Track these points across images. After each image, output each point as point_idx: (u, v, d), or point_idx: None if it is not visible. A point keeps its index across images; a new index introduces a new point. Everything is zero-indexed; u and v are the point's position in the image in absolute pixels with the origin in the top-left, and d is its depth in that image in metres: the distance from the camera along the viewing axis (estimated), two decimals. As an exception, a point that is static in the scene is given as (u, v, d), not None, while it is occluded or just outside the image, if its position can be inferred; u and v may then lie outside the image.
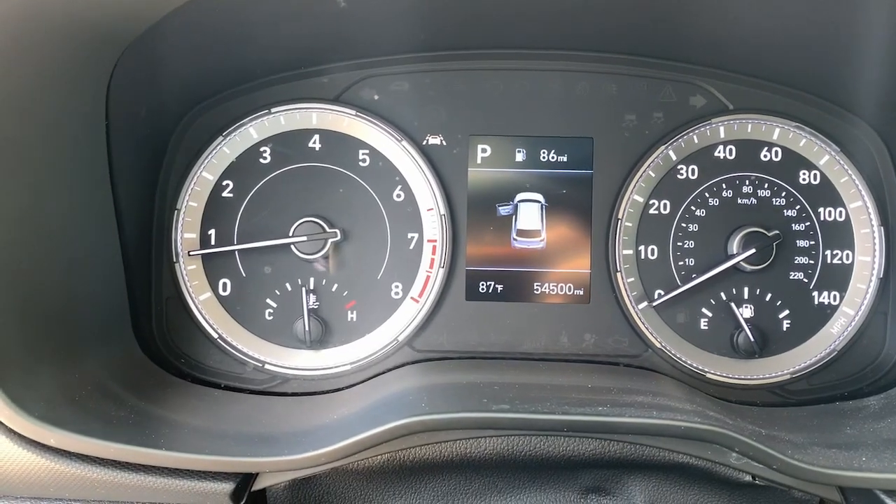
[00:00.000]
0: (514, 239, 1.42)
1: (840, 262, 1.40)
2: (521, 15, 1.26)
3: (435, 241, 1.40)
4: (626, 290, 1.40)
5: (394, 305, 1.40)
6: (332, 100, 1.42)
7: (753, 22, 1.22)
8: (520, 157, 1.43)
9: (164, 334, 1.40)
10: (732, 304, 1.38)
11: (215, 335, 1.39)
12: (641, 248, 1.41)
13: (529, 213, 1.42)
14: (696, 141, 1.41)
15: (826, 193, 1.40)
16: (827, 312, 1.39)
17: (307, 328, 1.36)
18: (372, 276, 1.40)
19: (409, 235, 1.41)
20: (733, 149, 1.41)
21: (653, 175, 1.41)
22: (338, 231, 1.38)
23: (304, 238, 1.37)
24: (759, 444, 0.98)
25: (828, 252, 1.40)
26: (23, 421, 0.93)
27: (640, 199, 1.41)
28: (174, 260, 1.39)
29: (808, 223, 1.40)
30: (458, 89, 1.42)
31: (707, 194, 1.41)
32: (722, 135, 1.41)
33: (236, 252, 1.40)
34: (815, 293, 1.40)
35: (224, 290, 1.40)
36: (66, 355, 1.10)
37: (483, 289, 1.42)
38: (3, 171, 0.99)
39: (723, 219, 1.40)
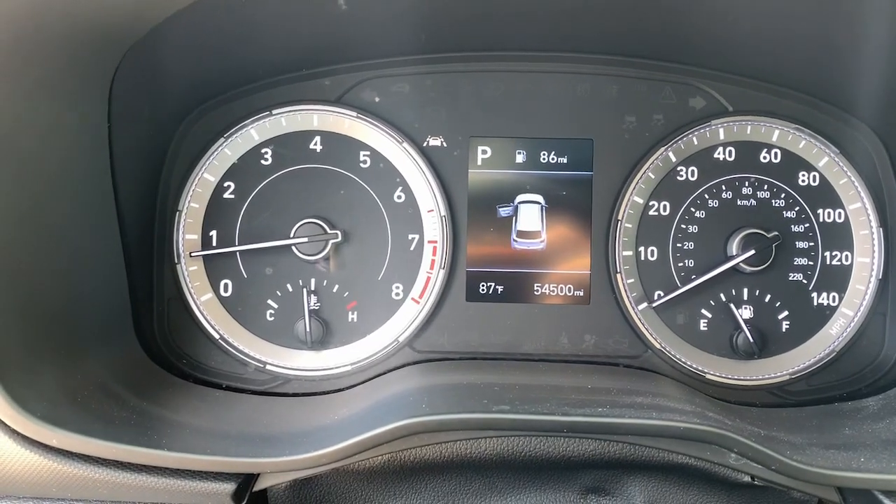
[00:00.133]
0: (515, 240, 1.43)
1: (839, 263, 1.40)
2: (521, 17, 1.27)
3: (435, 242, 1.41)
4: (625, 291, 1.40)
5: (394, 306, 1.41)
6: (333, 101, 1.42)
7: (753, 24, 1.22)
8: (520, 158, 1.43)
9: (165, 335, 1.40)
10: (732, 306, 1.39)
11: (217, 336, 1.40)
12: (641, 249, 1.41)
13: (529, 215, 1.42)
14: (695, 142, 1.42)
15: (825, 195, 1.40)
16: (826, 313, 1.40)
17: (308, 329, 1.37)
18: (373, 277, 1.41)
19: (410, 236, 1.41)
20: (733, 150, 1.42)
21: (652, 176, 1.41)
22: (339, 232, 1.38)
23: (306, 239, 1.37)
24: (758, 444, 0.98)
25: (827, 253, 1.40)
26: (25, 421, 0.94)
27: (640, 201, 1.41)
28: (176, 261, 1.39)
29: (807, 224, 1.40)
30: (459, 91, 1.43)
31: (707, 196, 1.41)
32: (721, 136, 1.42)
33: (238, 253, 1.40)
34: (815, 294, 1.40)
35: (225, 290, 1.41)
36: (68, 356, 1.10)
37: (483, 290, 1.42)
38: (6, 172, 0.99)
39: (722, 220, 1.40)
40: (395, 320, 1.40)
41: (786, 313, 1.40)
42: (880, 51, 1.20)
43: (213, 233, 1.41)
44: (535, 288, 1.42)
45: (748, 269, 1.37)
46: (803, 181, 1.41)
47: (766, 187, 1.41)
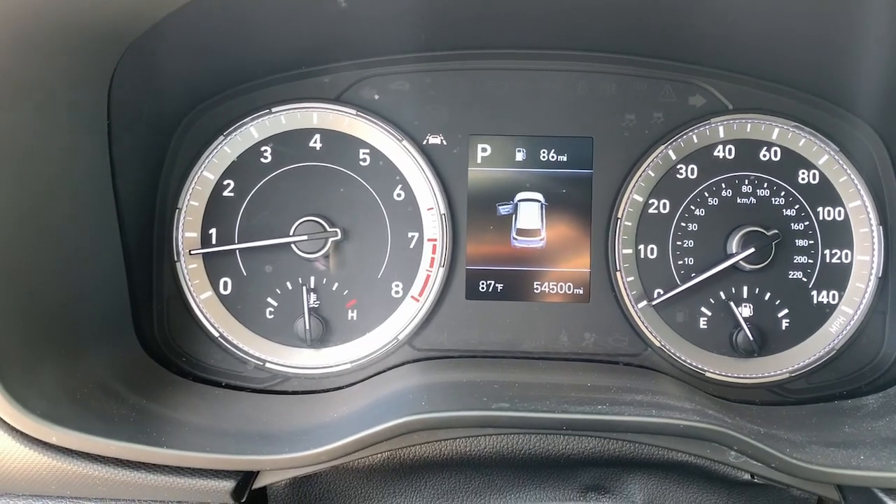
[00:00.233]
0: (514, 238, 1.43)
1: (839, 261, 1.40)
2: (521, 15, 1.27)
3: (435, 240, 1.41)
4: (625, 289, 1.40)
5: (394, 304, 1.40)
6: (333, 99, 1.42)
7: (753, 22, 1.22)
8: (520, 156, 1.43)
9: (165, 333, 1.40)
10: (732, 304, 1.39)
11: (216, 334, 1.40)
12: (641, 247, 1.41)
13: (529, 213, 1.42)
14: (695, 140, 1.41)
15: (825, 193, 1.40)
16: (826, 311, 1.40)
17: (308, 327, 1.37)
18: (372, 275, 1.41)
19: (410, 234, 1.41)
20: (732, 148, 1.42)
21: (652, 174, 1.41)
22: (338, 230, 1.38)
23: (305, 237, 1.37)
24: (758, 442, 0.98)
25: (827, 251, 1.40)
26: (24, 419, 0.94)
27: (640, 199, 1.41)
28: (175, 259, 1.39)
29: (807, 222, 1.40)
30: (459, 89, 1.43)
31: (706, 194, 1.41)
32: (721, 134, 1.42)
33: (237, 251, 1.40)
34: (814, 292, 1.40)
35: (225, 288, 1.41)
36: (68, 354, 1.10)
37: (483, 288, 1.42)
38: (5, 171, 0.99)
39: (722, 218, 1.40)
40: (394, 318, 1.40)
41: (785, 311, 1.40)
42: (880, 49, 1.20)
43: (213, 231, 1.41)
44: (535, 286, 1.42)
45: (748, 267, 1.37)
46: (803, 179, 1.41)
47: (765, 185, 1.41)
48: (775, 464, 0.98)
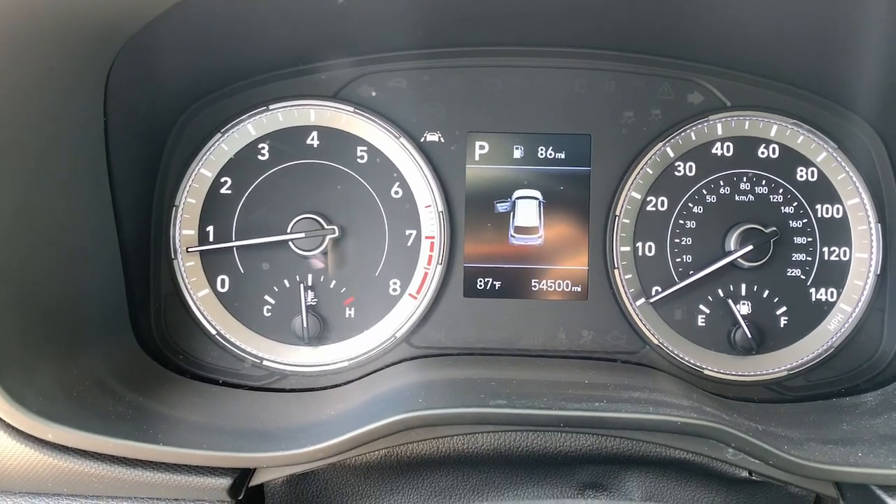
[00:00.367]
0: (512, 236, 1.42)
1: (837, 258, 1.40)
2: (519, 12, 1.26)
3: (433, 237, 1.41)
4: (623, 286, 1.40)
5: (392, 302, 1.40)
6: (330, 97, 1.42)
7: (751, 19, 1.22)
8: (518, 153, 1.43)
9: (162, 330, 1.40)
10: (730, 301, 1.39)
11: (213, 331, 1.39)
12: (639, 244, 1.41)
13: (527, 210, 1.42)
14: (693, 138, 1.41)
15: (823, 190, 1.40)
16: (824, 309, 1.40)
17: (305, 324, 1.37)
18: (370, 273, 1.40)
19: (408, 232, 1.41)
20: (731, 146, 1.41)
21: (650, 172, 1.41)
22: (336, 228, 1.38)
23: (303, 235, 1.37)
24: (756, 439, 0.98)
25: (825, 249, 1.40)
26: (21, 416, 0.94)
27: (638, 196, 1.41)
28: (172, 256, 1.39)
29: (805, 220, 1.40)
30: (457, 86, 1.42)
31: (704, 191, 1.41)
32: (719, 132, 1.41)
33: (234, 249, 1.40)
34: (813, 290, 1.40)
35: (222, 286, 1.40)
36: (65, 351, 1.10)
37: (481, 285, 1.42)
38: (1, 167, 0.99)
39: (720, 216, 1.40)
40: (392, 316, 1.40)
41: (784, 309, 1.39)
42: (879, 46, 1.19)
43: (210, 228, 1.40)
44: (533, 284, 1.42)
45: (746, 264, 1.37)
46: (801, 177, 1.41)
47: (764, 183, 1.40)
48: (773, 461, 0.98)
